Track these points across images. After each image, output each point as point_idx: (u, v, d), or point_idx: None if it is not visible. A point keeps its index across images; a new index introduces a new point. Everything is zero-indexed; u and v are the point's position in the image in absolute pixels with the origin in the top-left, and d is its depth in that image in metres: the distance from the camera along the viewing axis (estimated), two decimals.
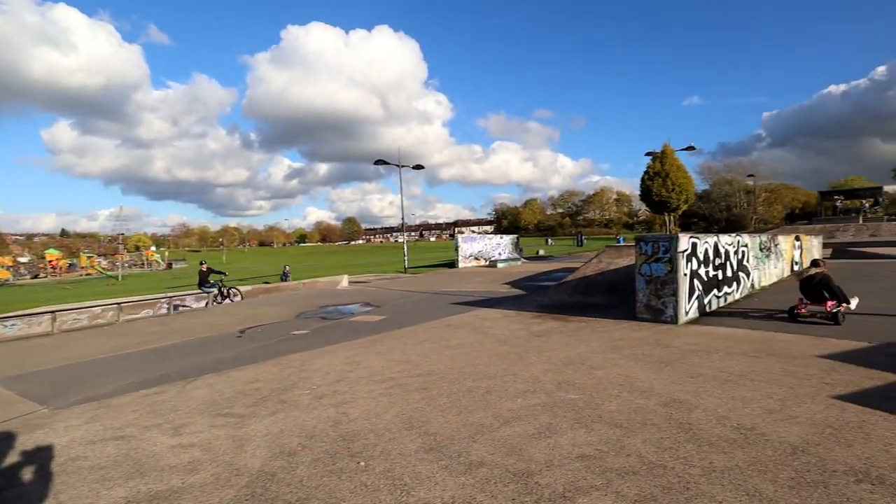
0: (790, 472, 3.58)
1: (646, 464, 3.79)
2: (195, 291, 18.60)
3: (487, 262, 32.43)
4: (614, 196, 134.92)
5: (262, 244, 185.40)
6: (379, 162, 30.43)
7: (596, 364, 6.84)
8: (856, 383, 5.48)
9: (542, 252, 50.87)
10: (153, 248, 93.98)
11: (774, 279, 13.73)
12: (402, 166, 33.27)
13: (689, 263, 9.96)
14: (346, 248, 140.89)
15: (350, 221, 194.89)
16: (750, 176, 74.40)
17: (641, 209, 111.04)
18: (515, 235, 38.37)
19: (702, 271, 10.35)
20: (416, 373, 6.82)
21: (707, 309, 10.58)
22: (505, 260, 32.55)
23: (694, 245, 10.09)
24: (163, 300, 16.48)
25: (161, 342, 10.57)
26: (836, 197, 47.21)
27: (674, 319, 9.68)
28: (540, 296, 15.37)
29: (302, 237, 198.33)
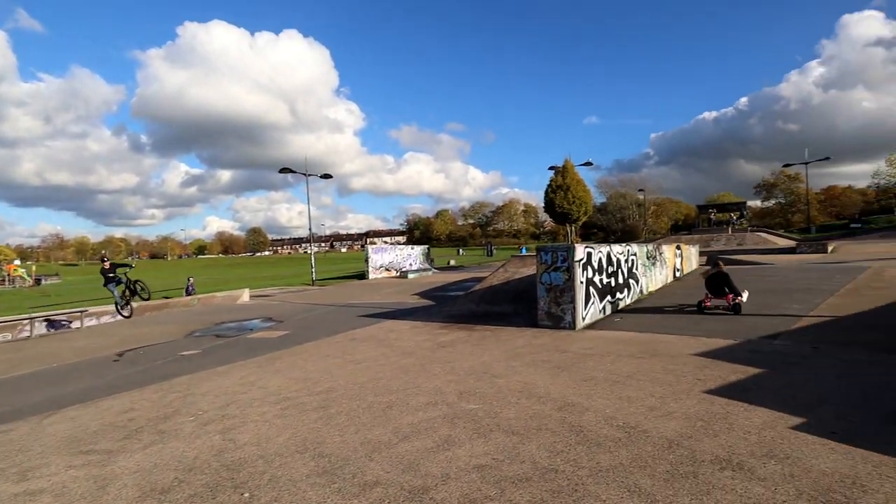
0: (666, 465, 3.83)
1: (539, 469, 3.86)
2: (75, 310, 16.43)
3: (398, 273, 32.28)
4: (522, 208, 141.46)
5: (153, 256, 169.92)
6: (284, 170, 29.22)
7: (498, 372, 6.96)
8: (723, 378, 6.07)
9: (453, 262, 51.73)
10: (17, 262, 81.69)
11: (660, 285, 15.05)
12: (310, 175, 32.23)
13: (585, 272, 10.58)
14: (251, 260, 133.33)
15: (255, 232, 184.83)
16: (640, 191, 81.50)
17: (547, 220, 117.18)
18: (426, 246, 38.65)
19: (597, 279, 11.03)
20: (315, 391, 6.50)
21: (602, 313, 11.28)
22: (416, 270, 32.62)
23: (589, 254, 10.74)
24: (24, 321, 14.36)
25: (13, 372, 9.16)
26: (710, 210, 53.61)
27: (572, 325, 10.19)
28: (448, 306, 15.51)
29: (201, 248, 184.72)
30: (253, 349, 9.88)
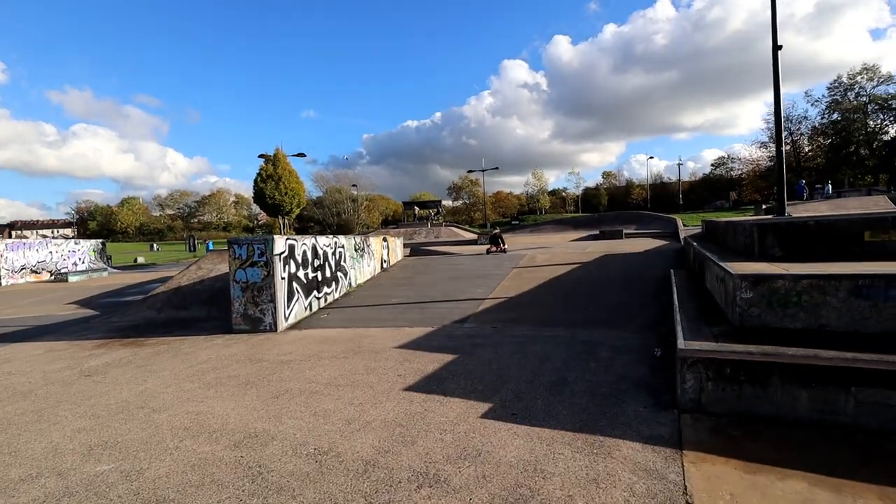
0: (360, 498, 3.14)
1: None
2: None
3: (53, 277, 24.52)
4: (233, 198, 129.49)
5: None
6: None
7: (161, 404, 5.25)
8: (421, 370, 5.94)
9: (141, 259, 42.95)
10: None
11: (368, 276, 15.23)
12: None
13: (288, 266, 9.49)
14: None
15: None
16: (353, 186, 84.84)
17: (262, 213, 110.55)
18: (100, 241, 30.69)
19: (301, 273, 10.09)
20: None
21: (309, 311, 10.42)
22: (83, 272, 25.40)
23: (291, 247, 9.69)
24: None
25: None
26: (414, 206, 59.98)
27: (273, 327, 8.99)
28: (118, 315, 12.11)
29: None
30: None
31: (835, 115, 62.56)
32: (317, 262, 10.95)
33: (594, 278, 12.48)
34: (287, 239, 9.54)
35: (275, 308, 8.97)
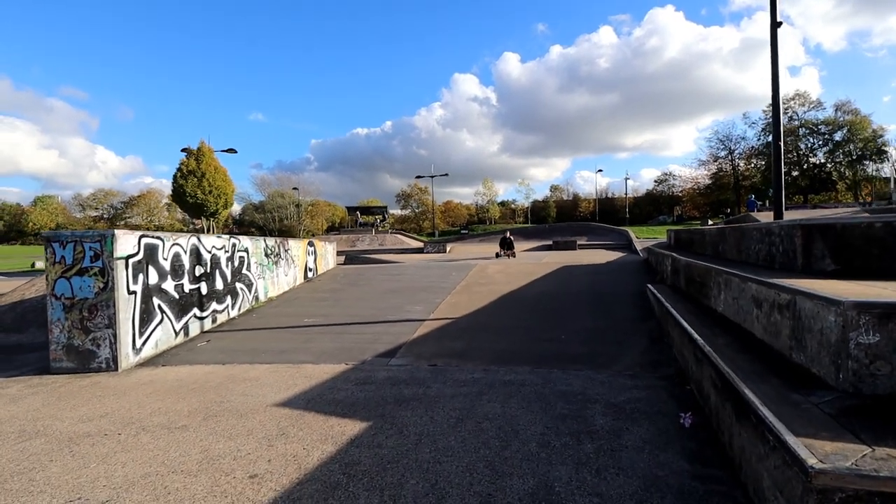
0: None
1: None
2: None
3: None
4: (166, 200, 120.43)
5: None
6: None
7: None
8: (297, 463, 3.41)
9: (40, 265, 37.41)
10: None
11: (286, 288, 12.47)
12: None
13: (143, 275, 6.68)
14: None
15: None
16: (294, 189, 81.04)
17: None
18: None
19: (169, 286, 7.26)
20: None
21: (184, 336, 7.60)
22: None
23: (151, 248, 6.87)
24: None
25: None
26: (357, 212, 56.99)
27: (112, 365, 6.15)
28: None
29: None
30: None
31: (769, 137, 65.33)
32: (199, 271, 8.13)
33: (559, 294, 10.34)
34: (141, 236, 6.72)
35: (115, 337, 6.13)
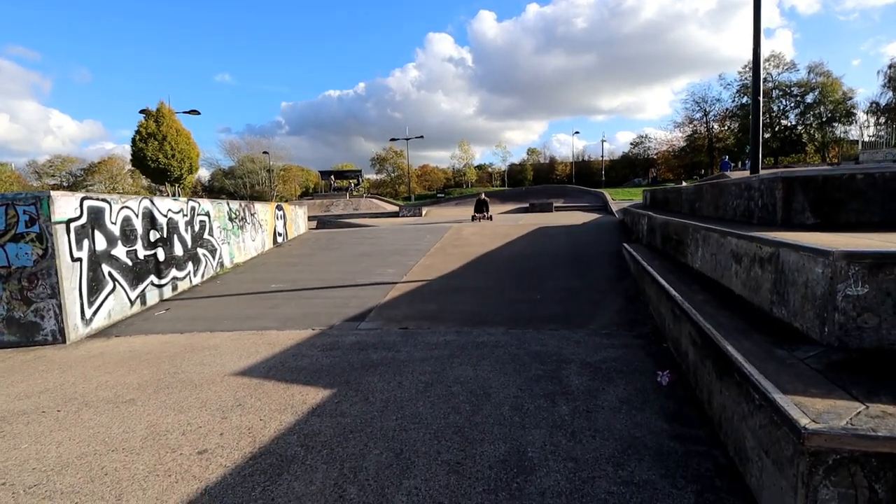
0: None
1: None
2: None
3: None
4: (129, 166, 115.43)
5: None
6: None
7: None
8: (252, 436, 3.15)
9: None
10: None
11: (254, 253, 11.99)
12: None
13: (89, 241, 6.18)
14: None
15: None
16: (265, 153, 78.85)
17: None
18: None
19: (120, 252, 6.78)
20: None
21: (140, 305, 7.18)
22: None
23: (96, 211, 6.34)
24: None
25: None
26: (331, 176, 55.72)
27: (59, 336, 5.73)
28: None
29: None
30: None
31: (745, 99, 65.65)
32: (155, 235, 7.63)
33: (534, 254, 10.18)
34: (84, 198, 6.18)
35: (60, 307, 5.69)
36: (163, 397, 3.83)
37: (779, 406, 2.04)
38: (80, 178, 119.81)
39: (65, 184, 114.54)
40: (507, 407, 3.33)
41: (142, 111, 29.86)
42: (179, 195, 33.79)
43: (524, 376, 3.91)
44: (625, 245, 9.26)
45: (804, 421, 1.86)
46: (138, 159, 29.93)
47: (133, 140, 29.40)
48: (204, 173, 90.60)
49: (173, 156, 29.78)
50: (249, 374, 4.29)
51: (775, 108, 64.47)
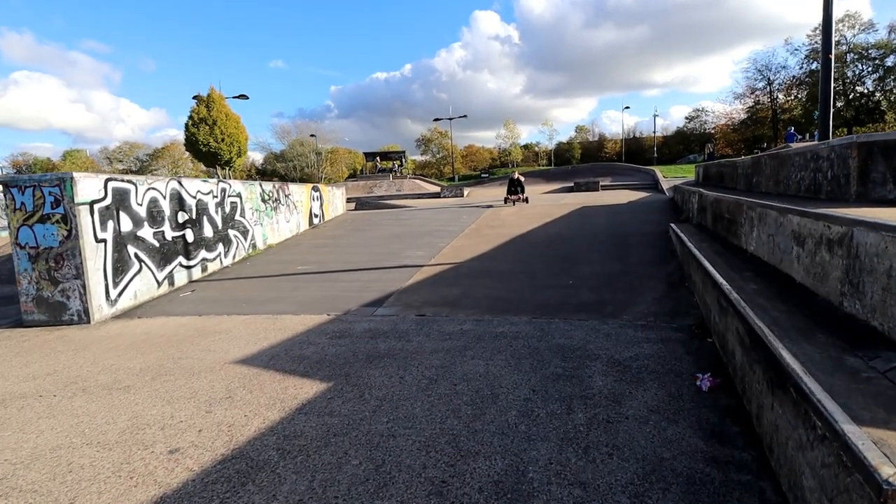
0: None
1: None
2: None
3: None
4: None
5: None
6: None
7: None
8: (231, 433, 2.91)
9: None
10: None
11: (288, 235, 12.00)
12: None
13: (113, 222, 6.19)
14: None
15: None
16: (312, 136, 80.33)
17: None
18: None
19: (147, 233, 6.79)
20: None
21: (168, 286, 7.22)
22: None
23: (121, 193, 6.33)
24: None
25: None
26: (376, 157, 56.05)
27: (85, 317, 5.79)
28: None
29: None
30: None
31: (814, 65, 60.09)
32: (183, 217, 7.62)
33: (572, 236, 9.56)
34: (108, 179, 6.16)
35: (84, 288, 5.73)
36: (157, 385, 3.68)
37: (849, 442, 1.52)
38: (145, 163, 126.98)
39: (133, 168, 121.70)
40: (514, 412, 2.92)
41: (194, 97, 30.83)
42: (231, 177, 34.83)
43: (540, 374, 3.47)
44: (672, 225, 8.49)
45: (888, 472, 1.34)
46: (190, 143, 30.98)
47: (186, 125, 30.44)
48: (258, 157, 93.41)
49: (223, 140, 30.62)
50: (250, 362, 4.08)
51: (850, 74, 58.51)
